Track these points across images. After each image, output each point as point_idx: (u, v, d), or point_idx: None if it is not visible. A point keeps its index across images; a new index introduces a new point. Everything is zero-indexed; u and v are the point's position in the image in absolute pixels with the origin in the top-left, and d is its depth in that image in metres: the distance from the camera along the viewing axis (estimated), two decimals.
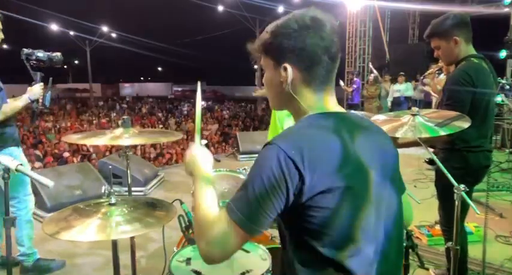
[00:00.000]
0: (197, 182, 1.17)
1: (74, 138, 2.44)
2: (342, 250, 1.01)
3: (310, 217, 0.99)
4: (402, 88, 9.58)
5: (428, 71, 4.65)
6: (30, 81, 2.85)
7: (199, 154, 1.23)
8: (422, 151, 5.85)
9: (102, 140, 2.29)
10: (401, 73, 9.80)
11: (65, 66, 47.69)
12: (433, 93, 5.60)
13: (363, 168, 1.04)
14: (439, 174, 2.43)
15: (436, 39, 2.38)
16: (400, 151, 1.28)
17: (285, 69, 1.07)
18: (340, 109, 1.14)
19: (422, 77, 6.02)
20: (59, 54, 2.90)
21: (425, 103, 9.23)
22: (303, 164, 0.95)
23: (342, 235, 1.00)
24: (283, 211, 0.99)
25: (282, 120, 4.47)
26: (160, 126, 16.93)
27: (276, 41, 1.07)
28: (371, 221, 1.04)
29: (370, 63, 11.27)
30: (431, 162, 2.48)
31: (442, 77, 4.84)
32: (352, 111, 1.25)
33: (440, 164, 1.99)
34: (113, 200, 1.70)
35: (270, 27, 1.10)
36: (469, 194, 2.37)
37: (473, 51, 2.37)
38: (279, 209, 0.99)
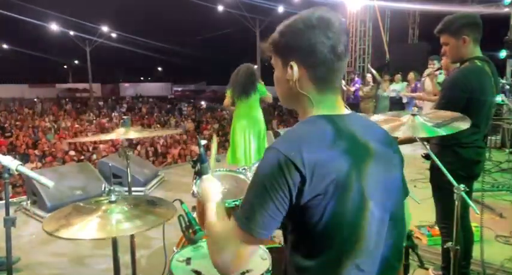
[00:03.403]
0: (208, 208, 1.27)
1: (77, 138, 2.43)
2: (340, 252, 1.02)
3: (310, 218, 1.00)
4: (398, 88, 9.58)
5: (428, 71, 4.63)
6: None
7: (210, 186, 1.37)
8: (421, 151, 5.83)
9: (106, 136, 2.30)
10: (400, 72, 9.80)
11: (65, 66, 47.78)
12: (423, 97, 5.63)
13: (365, 168, 1.05)
14: (433, 170, 2.46)
15: (446, 36, 2.43)
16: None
17: (291, 67, 1.08)
18: (344, 110, 1.15)
19: (423, 78, 6.00)
20: None
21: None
22: (303, 166, 0.96)
23: (342, 237, 1.01)
24: (288, 212, 1.00)
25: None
26: (158, 126, 16.92)
27: (283, 39, 1.09)
28: (375, 217, 1.05)
29: (369, 64, 11.19)
30: (427, 157, 2.52)
31: (442, 76, 4.83)
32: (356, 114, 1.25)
33: (439, 163, 2.00)
34: (113, 198, 1.70)
35: (279, 27, 1.12)
36: (468, 193, 2.38)
37: (479, 53, 2.42)
38: (283, 211, 1.00)
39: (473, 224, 3.37)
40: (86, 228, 1.53)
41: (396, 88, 9.58)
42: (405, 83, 9.55)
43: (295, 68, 1.07)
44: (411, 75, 8.72)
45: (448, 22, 2.43)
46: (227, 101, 4.75)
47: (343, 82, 11.17)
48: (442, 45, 2.50)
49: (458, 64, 2.52)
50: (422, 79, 6.15)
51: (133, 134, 2.32)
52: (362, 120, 1.16)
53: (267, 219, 1.00)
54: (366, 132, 1.11)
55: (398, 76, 9.70)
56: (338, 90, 1.13)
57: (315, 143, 1.00)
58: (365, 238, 1.03)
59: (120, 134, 2.29)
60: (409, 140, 2.36)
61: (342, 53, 1.06)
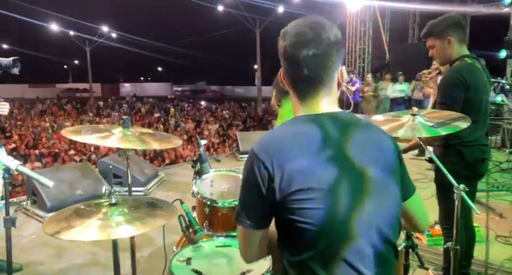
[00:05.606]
0: None
1: (68, 131, 2.22)
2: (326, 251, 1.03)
3: (290, 215, 1.04)
4: (405, 88, 9.61)
5: (429, 76, 4.68)
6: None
7: None
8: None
9: (96, 139, 2.15)
10: (400, 72, 9.82)
11: (65, 66, 47.81)
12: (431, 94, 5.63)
13: (353, 166, 1.06)
14: (437, 171, 2.46)
15: (431, 39, 2.48)
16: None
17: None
18: (333, 110, 1.16)
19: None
20: (10, 59, 2.70)
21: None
22: (272, 165, 1.05)
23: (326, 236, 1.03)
24: (269, 207, 1.09)
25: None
26: (160, 126, 16.93)
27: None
28: (364, 217, 1.04)
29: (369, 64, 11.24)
30: (431, 160, 2.52)
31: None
32: (347, 111, 1.24)
33: (440, 164, 2.00)
34: (114, 200, 1.70)
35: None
36: (472, 193, 2.38)
37: (466, 52, 2.45)
38: (261, 204, 1.09)
39: (474, 224, 3.38)
40: (87, 230, 1.53)
41: (404, 88, 9.62)
42: (408, 84, 9.59)
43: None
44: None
45: (431, 25, 2.47)
46: (273, 100, 4.88)
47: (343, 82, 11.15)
48: (429, 48, 2.53)
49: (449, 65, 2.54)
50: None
51: (130, 144, 2.15)
52: (352, 117, 1.17)
53: (251, 211, 1.12)
54: (356, 127, 1.13)
55: (401, 77, 9.73)
56: (322, 95, 1.15)
57: (287, 143, 1.08)
58: (352, 239, 1.03)
59: (116, 138, 2.15)
60: (415, 147, 2.36)
61: (314, 64, 1.12)
